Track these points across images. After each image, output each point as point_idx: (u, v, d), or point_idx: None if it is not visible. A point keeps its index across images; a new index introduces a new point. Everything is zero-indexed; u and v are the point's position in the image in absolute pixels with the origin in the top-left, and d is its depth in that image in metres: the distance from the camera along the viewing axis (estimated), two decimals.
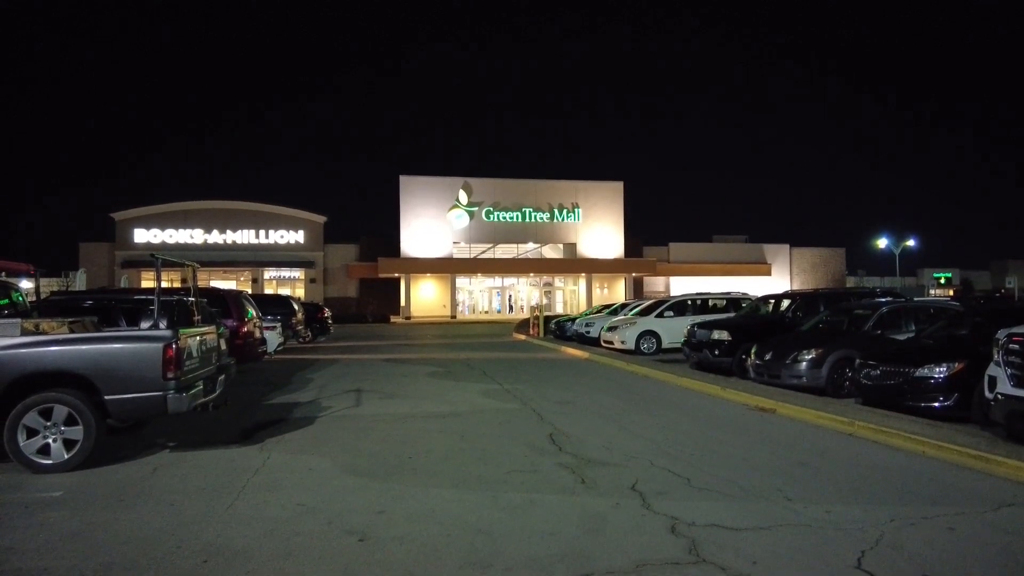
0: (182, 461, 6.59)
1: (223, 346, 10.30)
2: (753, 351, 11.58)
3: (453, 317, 48.98)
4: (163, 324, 6.75)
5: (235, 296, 13.01)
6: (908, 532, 4.41)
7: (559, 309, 51.22)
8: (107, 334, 6.68)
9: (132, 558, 4.07)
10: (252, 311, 13.33)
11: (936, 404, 8.12)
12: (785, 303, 14.79)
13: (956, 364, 8.10)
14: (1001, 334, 6.57)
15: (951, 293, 61.46)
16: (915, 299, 13.29)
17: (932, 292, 61.87)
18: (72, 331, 6.82)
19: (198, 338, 7.30)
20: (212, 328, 8.16)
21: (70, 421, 6.14)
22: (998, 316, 8.79)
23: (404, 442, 7.41)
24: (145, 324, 8.61)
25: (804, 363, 10.39)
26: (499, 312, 54.17)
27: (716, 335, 13.26)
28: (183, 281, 48.99)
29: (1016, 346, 6.32)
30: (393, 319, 47.35)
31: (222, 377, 8.11)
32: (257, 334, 12.92)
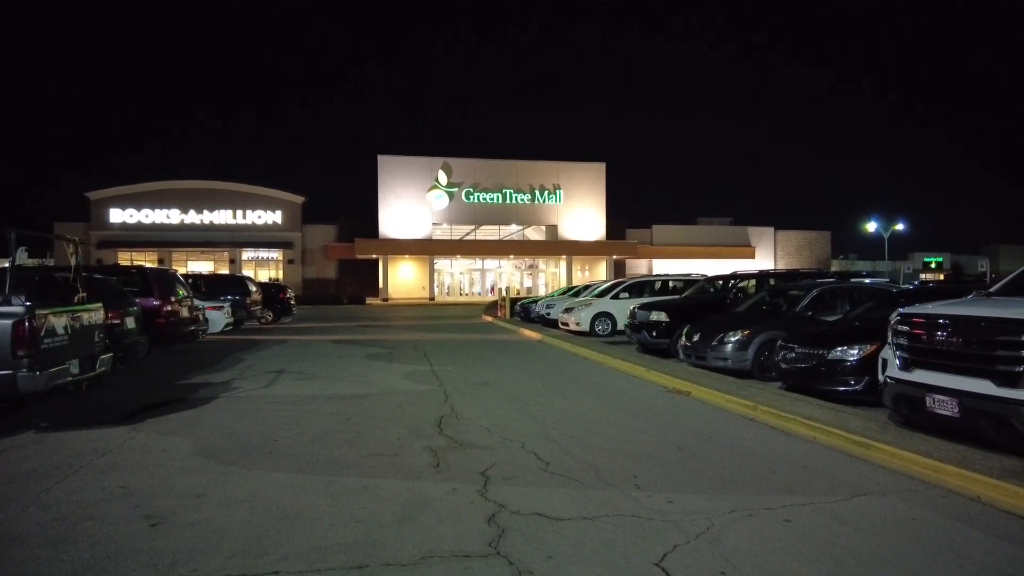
0: (39, 442, 6.29)
1: (131, 325, 10.00)
2: (684, 332, 11.32)
3: (431, 299, 48.63)
4: (17, 300, 6.38)
5: (160, 274, 12.65)
6: (739, 525, 4.13)
7: (542, 291, 50.84)
8: None
9: None
10: (182, 291, 12.99)
11: (847, 388, 7.87)
12: (731, 284, 14.50)
13: (868, 346, 7.82)
14: (893, 315, 6.28)
15: (941, 277, 61.41)
16: (851, 280, 12.98)
17: (921, 276, 61.87)
18: None
19: (68, 316, 6.98)
20: (96, 306, 7.82)
21: None
22: (927, 296, 8.51)
23: (283, 424, 7.11)
24: None
25: (729, 345, 10.11)
26: (479, 294, 53.81)
27: (654, 316, 12.98)
28: (159, 261, 48.57)
29: (905, 327, 6.03)
30: (370, 301, 46.97)
31: (106, 356, 7.80)
32: (185, 313, 12.58)
